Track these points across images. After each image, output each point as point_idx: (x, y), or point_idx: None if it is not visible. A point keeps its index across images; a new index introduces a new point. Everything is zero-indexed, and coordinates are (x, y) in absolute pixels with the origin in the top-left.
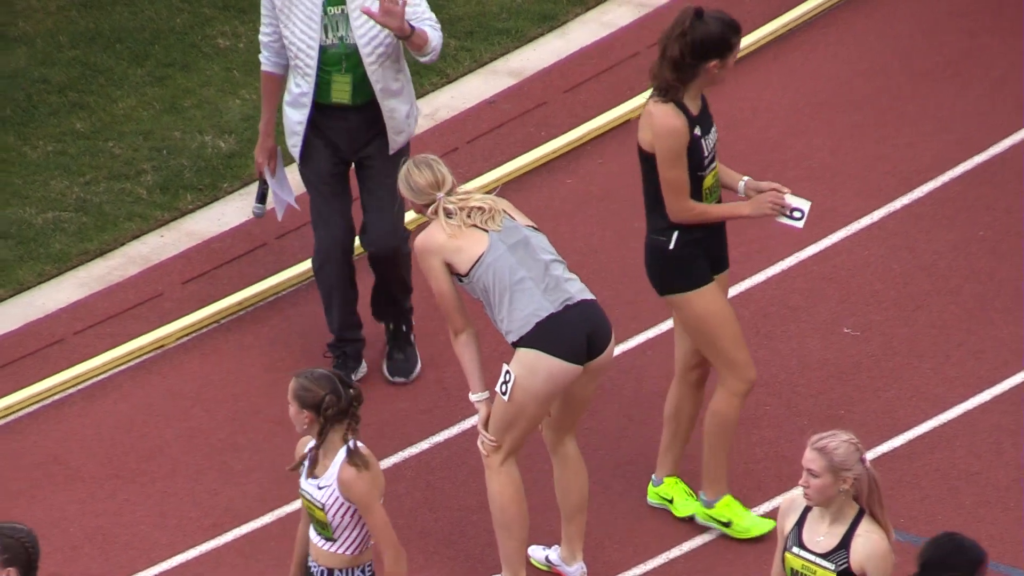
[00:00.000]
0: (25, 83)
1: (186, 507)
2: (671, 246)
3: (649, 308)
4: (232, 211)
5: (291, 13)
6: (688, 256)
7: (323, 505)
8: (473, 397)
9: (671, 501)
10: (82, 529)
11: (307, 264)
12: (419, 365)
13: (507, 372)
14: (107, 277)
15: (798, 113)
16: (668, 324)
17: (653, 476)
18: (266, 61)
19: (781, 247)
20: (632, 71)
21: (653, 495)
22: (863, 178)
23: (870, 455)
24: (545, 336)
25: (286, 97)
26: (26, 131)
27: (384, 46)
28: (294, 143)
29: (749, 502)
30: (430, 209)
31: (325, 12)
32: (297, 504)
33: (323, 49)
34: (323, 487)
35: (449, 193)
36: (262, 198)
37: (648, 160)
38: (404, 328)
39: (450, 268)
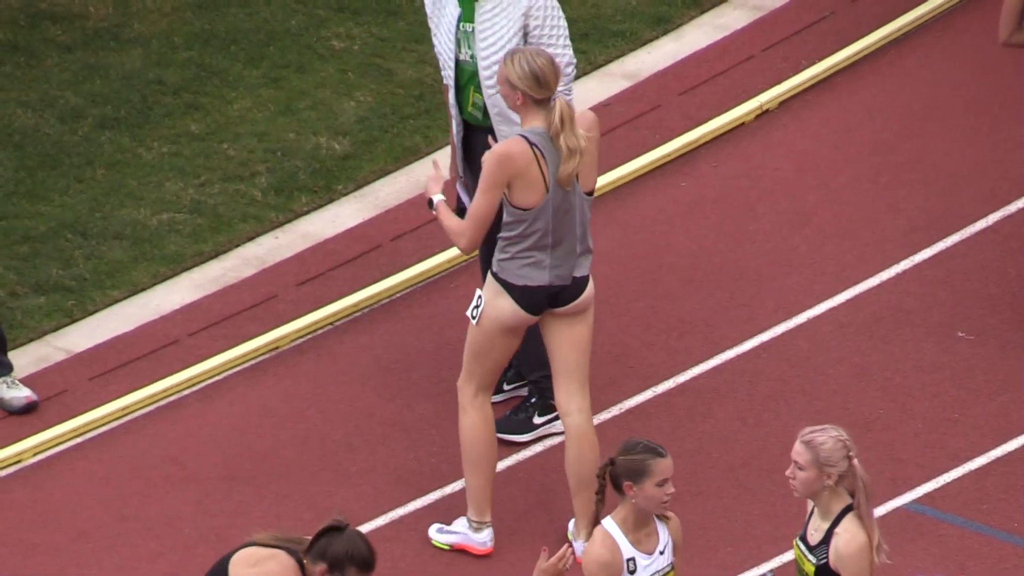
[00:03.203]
0: (140, 84)
1: (300, 508)
2: None
3: (764, 311)
4: (347, 213)
5: (439, 22)
6: None
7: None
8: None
9: None
10: (196, 529)
11: (421, 266)
12: (528, 435)
13: (479, 296)
14: (222, 278)
15: (913, 116)
16: (783, 327)
17: None
18: (442, 73)
19: (896, 250)
20: (746, 74)
21: None
22: (978, 181)
23: (984, 459)
24: (514, 280)
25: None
26: (141, 132)
27: None
28: (459, 156)
29: None
30: (545, 115)
31: (459, 26)
32: (412, 506)
33: (459, 63)
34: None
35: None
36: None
37: None
38: (531, 395)
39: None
